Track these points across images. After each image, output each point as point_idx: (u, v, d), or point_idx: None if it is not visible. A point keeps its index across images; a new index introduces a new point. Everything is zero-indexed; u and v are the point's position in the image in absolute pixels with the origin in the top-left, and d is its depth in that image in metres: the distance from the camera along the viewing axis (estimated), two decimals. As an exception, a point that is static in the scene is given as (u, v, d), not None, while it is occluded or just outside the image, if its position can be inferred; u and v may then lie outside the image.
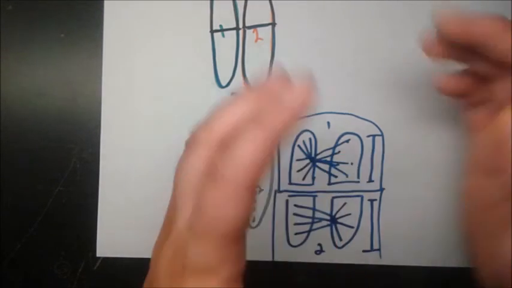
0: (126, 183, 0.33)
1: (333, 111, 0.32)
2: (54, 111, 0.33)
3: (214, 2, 0.33)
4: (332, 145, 0.32)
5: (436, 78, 0.28)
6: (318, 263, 0.32)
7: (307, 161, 0.32)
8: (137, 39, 0.33)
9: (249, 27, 0.33)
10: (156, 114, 0.33)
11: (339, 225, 0.32)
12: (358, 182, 0.32)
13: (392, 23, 0.32)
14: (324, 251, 0.32)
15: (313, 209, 0.32)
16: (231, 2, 0.33)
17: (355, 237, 0.32)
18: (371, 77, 0.32)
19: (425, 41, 0.26)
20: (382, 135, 0.32)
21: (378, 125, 0.32)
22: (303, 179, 0.32)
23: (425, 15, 0.32)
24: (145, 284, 0.22)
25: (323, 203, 0.32)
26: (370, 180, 0.32)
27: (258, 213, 0.32)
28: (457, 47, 0.25)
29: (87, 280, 0.33)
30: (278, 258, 0.32)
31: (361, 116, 0.32)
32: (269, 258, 0.32)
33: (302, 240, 0.32)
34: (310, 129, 0.32)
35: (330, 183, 0.32)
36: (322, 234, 0.32)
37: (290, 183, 0.32)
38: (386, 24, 0.32)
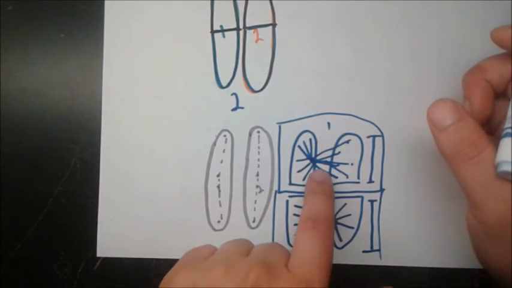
0: (126, 183, 0.33)
1: (333, 111, 0.32)
2: (54, 111, 0.33)
3: (215, 2, 0.33)
4: (332, 146, 0.32)
5: (497, 32, 0.26)
6: (318, 263, 0.32)
7: (308, 161, 0.32)
8: (137, 40, 0.33)
9: (250, 28, 0.33)
10: (156, 114, 0.33)
11: (339, 226, 0.32)
12: (359, 182, 0.32)
13: (392, 23, 0.32)
14: (324, 251, 0.32)
15: (313, 210, 0.32)
16: (232, 2, 0.33)
17: (355, 238, 0.32)
18: (371, 78, 0.32)
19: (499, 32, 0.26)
20: (382, 135, 0.32)
21: (378, 126, 0.32)
22: (303, 179, 0.32)
23: (425, 15, 0.32)
24: None
25: (323, 204, 0.32)
26: (370, 181, 0.32)
27: (258, 213, 0.32)
28: None
29: (87, 280, 0.33)
30: (278, 258, 0.32)
31: (361, 116, 0.32)
32: (269, 259, 0.32)
33: (302, 240, 0.32)
34: (311, 130, 0.32)
35: (330, 184, 0.32)
36: (322, 235, 0.32)
37: (290, 183, 0.32)
38: (386, 24, 0.32)
